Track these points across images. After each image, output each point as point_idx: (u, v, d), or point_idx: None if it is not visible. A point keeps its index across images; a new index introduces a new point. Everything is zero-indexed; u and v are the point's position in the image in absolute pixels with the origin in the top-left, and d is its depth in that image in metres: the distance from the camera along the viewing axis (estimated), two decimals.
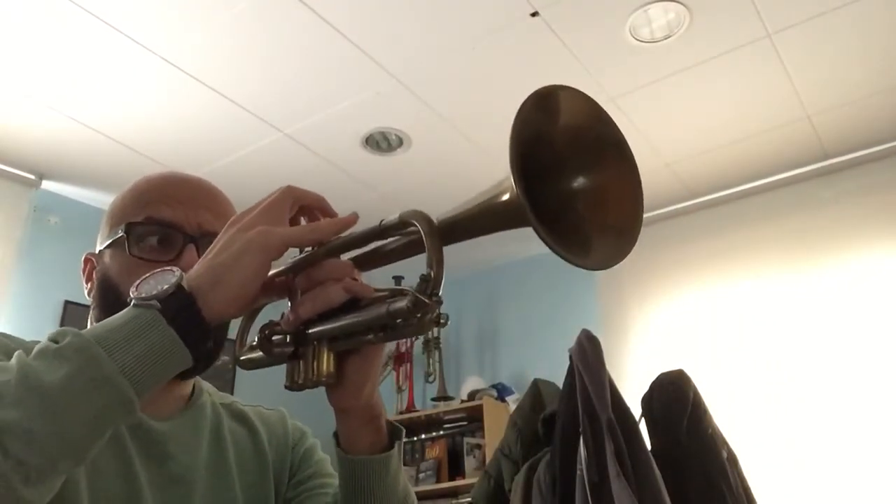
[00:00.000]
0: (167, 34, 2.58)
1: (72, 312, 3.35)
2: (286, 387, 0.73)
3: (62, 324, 3.33)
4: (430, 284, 0.60)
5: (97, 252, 0.90)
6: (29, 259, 3.29)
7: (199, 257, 0.82)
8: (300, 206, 0.72)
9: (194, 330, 0.61)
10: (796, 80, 2.90)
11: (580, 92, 0.61)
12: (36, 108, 2.91)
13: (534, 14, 2.52)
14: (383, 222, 0.67)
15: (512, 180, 0.55)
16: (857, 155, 3.36)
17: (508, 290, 4.28)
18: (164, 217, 0.85)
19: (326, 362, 0.71)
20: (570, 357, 1.88)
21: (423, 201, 3.77)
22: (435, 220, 0.63)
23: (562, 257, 0.55)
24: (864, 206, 3.34)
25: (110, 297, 0.84)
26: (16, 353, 0.57)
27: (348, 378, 0.74)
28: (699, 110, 3.10)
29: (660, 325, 3.64)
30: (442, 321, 0.64)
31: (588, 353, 1.84)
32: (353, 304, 0.68)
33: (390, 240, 0.70)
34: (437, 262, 0.60)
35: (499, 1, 2.47)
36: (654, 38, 2.66)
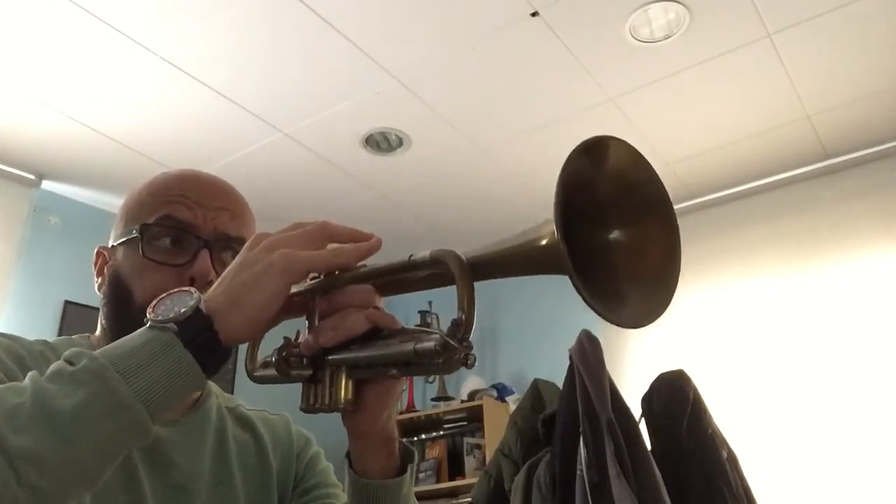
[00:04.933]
0: (167, 34, 2.58)
1: (72, 312, 3.35)
2: (301, 409, 0.71)
3: (62, 323, 3.33)
4: (460, 329, 0.59)
5: (110, 247, 0.89)
6: (29, 259, 3.29)
7: (212, 261, 0.82)
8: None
9: (211, 353, 0.61)
10: (796, 80, 2.90)
11: (629, 144, 0.60)
12: (36, 108, 2.91)
13: (534, 14, 2.52)
14: (412, 258, 0.64)
15: (554, 226, 0.53)
16: (857, 155, 3.36)
17: (508, 290, 4.27)
18: (178, 218, 0.84)
19: (344, 389, 0.69)
20: (570, 357, 1.88)
21: (423, 201, 3.78)
22: (465, 258, 0.61)
23: (596, 312, 0.53)
24: (864, 206, 3.34)
25: (121, 296, 0.84)
26: (29, 374, 0.57)
27: (366, 405, 0.73)
28: (699, 110, 3.10)
29: (659, 325, 3.63)
30: (469, 362, 0.62)
31: (588, 353, 1.84)
32: (375, 332, 0.67)
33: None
34: (468, 305, 0.59)
35: (499, 1, 2.47)
36: (654, 38, 2.66)
